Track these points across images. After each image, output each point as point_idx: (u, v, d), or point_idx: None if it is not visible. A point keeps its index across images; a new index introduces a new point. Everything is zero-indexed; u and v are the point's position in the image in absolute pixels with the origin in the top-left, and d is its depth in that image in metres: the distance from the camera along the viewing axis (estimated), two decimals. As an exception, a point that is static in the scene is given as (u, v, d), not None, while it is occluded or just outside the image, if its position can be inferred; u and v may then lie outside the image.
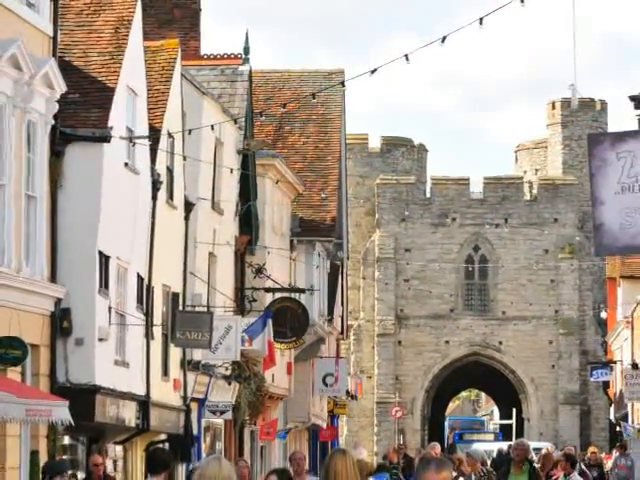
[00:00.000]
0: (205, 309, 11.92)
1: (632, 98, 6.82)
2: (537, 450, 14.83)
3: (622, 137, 5.33)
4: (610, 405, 26.99)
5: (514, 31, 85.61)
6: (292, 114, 18.40)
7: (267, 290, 14.83)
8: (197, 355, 11.97)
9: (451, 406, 42.34)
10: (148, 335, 10.58)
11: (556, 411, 31.87)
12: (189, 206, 11.86)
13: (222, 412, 12.38)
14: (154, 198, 10.70)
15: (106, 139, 9.28)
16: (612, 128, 33.73)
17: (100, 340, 9.28)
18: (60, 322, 9.09)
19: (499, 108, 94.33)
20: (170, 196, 11.30)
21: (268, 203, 15.43)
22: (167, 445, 10.97)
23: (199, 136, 11.51)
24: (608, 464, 18.14)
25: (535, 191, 32.97)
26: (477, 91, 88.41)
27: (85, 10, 10.19)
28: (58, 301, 9.07)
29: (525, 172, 36.06)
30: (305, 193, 17.97)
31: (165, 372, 11.25)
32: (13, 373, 8.33)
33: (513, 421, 31.77)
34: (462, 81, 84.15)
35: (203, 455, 12.04)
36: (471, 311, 32.66)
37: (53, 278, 9.08)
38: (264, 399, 14.36)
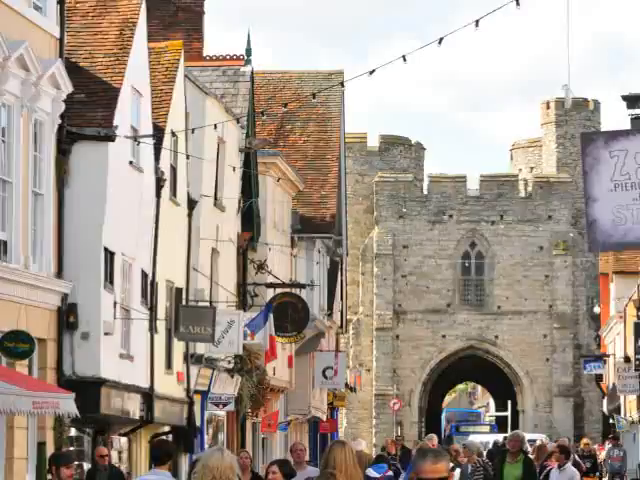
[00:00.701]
0: (208, 304, 12.09)
1: (624, 98, 7.03)
2: (532, 441, 15.08)
3: (615, 136, 5.51)
4: (603, 398, 27.34)
5: (509, 32, 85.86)
6: (293, 114, 18.61)
7: (268, 285, 15.03)
8: (200, 349, 12.15)
9: (448, 399, 42.64)
10: (152, 329, 10.77)
11: (550, 403, 32.23)
12: (192, 203, 12.03)
13: (224, 404, 12.59)
14: (158, 195, 10.87)
15: (111, 138, 9.46)
16: (605, 127, 34.10)
17: (105, 334, 9.48)
18: (66, 317, 9.27)
19: (495, 108, 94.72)
20: (174, 193, 11.47)
21: (269, 200, 15.63)
22: (170, 436, 11.18)
23: (202, 135, 11.69)
24: (601, 455, 18.43)
25: (530, 188, 33.26)
26: (473, 91, 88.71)
27: (91, 12, 10.35)
28: (64, 296, 9.25)
29: (520, 170, 36.35)
30: (305, 191, 18.20)
31: (169, 365, 11.44)
32: (21, 366, 8.49)
33: (508, 413, 32.10)
34: (459, 81, 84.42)
35: (206, 446, 12.24)
36: (467, 306, 32.95)
37: (59, 274, 9.26)
38: (265, 392, 14.58)
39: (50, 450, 8.69)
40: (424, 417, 32.95)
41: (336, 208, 18.94)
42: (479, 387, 46.99)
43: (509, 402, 32.40)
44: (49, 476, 7.74)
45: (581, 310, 32.76)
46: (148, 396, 10.55)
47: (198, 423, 12.18)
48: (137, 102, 10.26)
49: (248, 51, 14.46)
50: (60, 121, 9.22)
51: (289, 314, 14.81)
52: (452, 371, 33.55)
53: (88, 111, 9.61)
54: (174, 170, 11.48)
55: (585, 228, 6.27)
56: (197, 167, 12.11)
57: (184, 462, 11.88)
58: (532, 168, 36.21)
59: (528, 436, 13.34)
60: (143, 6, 10.35)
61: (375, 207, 33.38)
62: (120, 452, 10.64)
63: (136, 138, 9.90)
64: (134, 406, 10.25)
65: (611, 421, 24.13)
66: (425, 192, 33.31)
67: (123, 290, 10.03)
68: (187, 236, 12.01)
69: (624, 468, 17.52)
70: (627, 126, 6.49)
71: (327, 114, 19.36)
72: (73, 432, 9.56)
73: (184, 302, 11.64)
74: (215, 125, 11.52)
